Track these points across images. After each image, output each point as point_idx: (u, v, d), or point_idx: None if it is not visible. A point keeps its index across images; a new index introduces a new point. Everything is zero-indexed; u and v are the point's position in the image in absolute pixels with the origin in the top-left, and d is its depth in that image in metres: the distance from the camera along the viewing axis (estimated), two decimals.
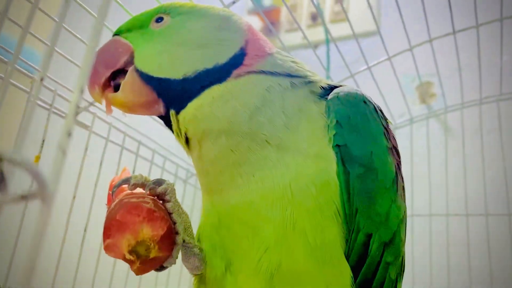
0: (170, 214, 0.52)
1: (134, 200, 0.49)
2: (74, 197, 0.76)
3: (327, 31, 1.66)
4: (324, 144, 0.51)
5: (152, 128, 0.87)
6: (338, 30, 1.63)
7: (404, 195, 0.58)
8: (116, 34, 0.58)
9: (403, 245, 0.56)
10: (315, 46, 1.71)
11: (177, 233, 0.52)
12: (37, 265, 0.25)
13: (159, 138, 0.98)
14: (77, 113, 0.81)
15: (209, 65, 0.53)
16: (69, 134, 0.28)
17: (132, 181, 0.52)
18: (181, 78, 0.53)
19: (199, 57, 0.54)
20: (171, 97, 0.54)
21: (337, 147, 0.50)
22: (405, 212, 0.57)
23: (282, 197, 0.49)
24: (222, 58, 0.54)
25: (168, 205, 0.52)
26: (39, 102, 0.75)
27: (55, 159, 0.27)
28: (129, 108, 0.55)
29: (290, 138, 0.51)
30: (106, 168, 0.84)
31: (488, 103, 1.12)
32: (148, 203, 0.49)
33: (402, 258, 0.56)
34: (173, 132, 0.56)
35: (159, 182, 0.53)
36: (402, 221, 0.55)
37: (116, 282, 0.85)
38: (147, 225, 0.48)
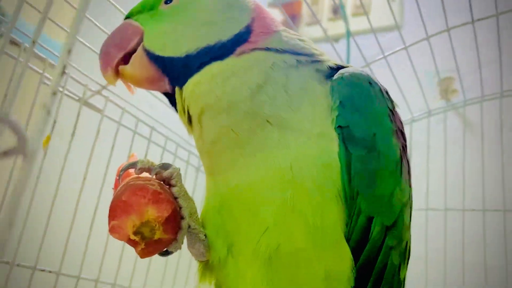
0: (176, 198, 0.52)
1: (140, 182, 0.50)
2: (84, 179, 0.77)
3: (347, 25, 1.65)
4: (327, 125, 0.50)
5: (165, 115, 0.87)
6: (360, 24, 1.61)
7: (409, 179, 0.56)
8: (128, 17, 0.59)
9: (408, 229, 0.55)
10: (335, 40, 1.70)
11: (182, 217, 0.52)
12: (15, 221, 0.26)
13: (172, 124, 0.98)
14: (89, 96, 0.82)
15: (212, 42, 0.54)
16: (54, 93, 0.28)
17: (139, 165, 0.52)
18: (183, 55, 0.53)
19: (203, 34, 0.54)
20: (175, 74, 0.55)
21: (339, 128, 0.49)
22: (410, 196, 0.56)
23: (282, 178, 0.49)
24: (226, 35, 0.54)
25: (174, 189, 0.53)
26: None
27: (39, 117, 0.27)
28: (137, 81, 0.56)
29: (293, 118, 0.50)
30: (118, 153, 0.85)
31: (509, 96, 1.08)
32: (154, 185, 0.50)
33: (407, 243, 0.54)
34: (177, 111, 0.57)
35: (165, 166, 0.54)
36: (406, 204, 0.53)
37: (122, 268, 0.86)
38: (152, 206, 0.48)
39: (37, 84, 0.73)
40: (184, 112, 0.55)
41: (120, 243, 0.84)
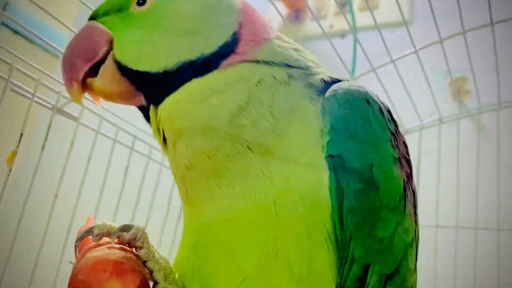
0: (144, 262, 0.45)
1: (98, 253, 0.43)
2: (56, 197, 0.70)
3: (354, 22, 1.56)
4: (317, 152, 0.42)
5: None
6: (369, 18, 1.53)
7: (415, 212, 0.48)
8: (92, 18, 0.51)
9: (412, 273, 0.46)
10: (342, 35, 1.61)
11: (156, 282, 0.45)
12: None
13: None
14: (64, 103, 0.75)
15: (193, 56, 0.46)
16: None
17: (96, 231, 0.46)
18: (161, 71, 0.46)
19: (184, 46, 0.46)
20: (150, 91, 0.47)
21: (330, 157, 0.41)
22: (415, 232, 0.48)
23: (264, 216, 0.41)
24: (209, 47, 0.46)
25: (141, 252, 0.45)
26: (20, 91, 0.69)
27: None
28: (108, 96, 0.49)
29: (277, 144, 0.43)
30: (96, 165, 0.78)
31: None
32: (115, 254, 0.43)
33: None
34: (151, 126, 0.49)
35: (127, 227, 0.47)
36: (410, 245, 0.45)
37: None
38: (116, 280, 0.41)
39: None
40: (159, 132, 0.47)
41: None
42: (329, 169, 0.41)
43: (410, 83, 1.01)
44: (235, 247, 0.42)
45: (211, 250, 0.44)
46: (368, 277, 0.41)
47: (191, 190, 0.46)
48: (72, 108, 0.76)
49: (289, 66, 0.47)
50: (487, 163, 1.04)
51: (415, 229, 0.47)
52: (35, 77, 0.70)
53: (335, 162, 0.41)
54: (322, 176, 0.41)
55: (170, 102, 0.45)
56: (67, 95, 0.71)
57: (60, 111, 0.74)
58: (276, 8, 0.82)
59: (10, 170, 0.65)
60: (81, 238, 0.47)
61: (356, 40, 1.43)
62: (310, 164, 0.42)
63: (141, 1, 0.49)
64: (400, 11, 0.83)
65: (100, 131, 0.79)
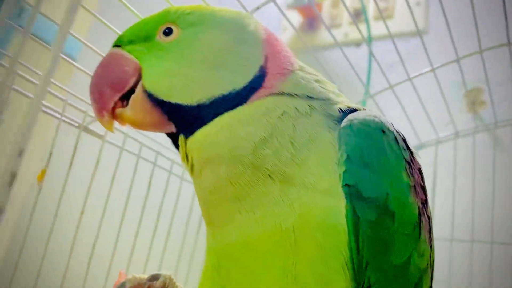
0: None
1: None
2: (82, 213, 0.72)
3: (369, 30, 1.57)
4: (334, 180, 0.43)
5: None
6: (384, 28, 1.53)
7: (430, 237, 0.49)
8: (117, 45, 0.52)
9: None
10: (357, 44, 1.62)
11: None
12: None
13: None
14: (89, 122, 0.77)
15: (225, 90, 0.47)
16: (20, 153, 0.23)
17: (128, 285, 0.50)
18: (195, 104, 0.47)
19: (215, 80, 0.48)
20: (182, 122, 0.48)
21: (346, 186, 0.43)
22: (431, 257, 0.49)
23: (283, 242, 0.42)
24: (240, 82, 0.48)
25: None
26: (49, 111, 0.71)
27: None
28: (139, 125, 0.50)
29: (297, 173, 0.44)
30: (120, 179, 0.80)
31: None
32: None
33: None
34: (179, 151, 0.51)
35: (155, 277, 0.50)
36: (425, 271, 0.47)
37: None
38: None
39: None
40: (187, 159, 0.49)
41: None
42: (346, 198, 0.43)
43: (426, 96, 1.01)
44: (255, 270, 0.44)
45: (232, 271, 0.46)
46: None
47: (213, 213, 0.48)
48: (98, 126, 0.79)
49: (311, 98, 0.49)
50: (503, 177, 1.05)
51: (430, 254, 0.49)
52: (62, 97, 0.72)
53: (352, 192, 0.43)
54: (339, 204, 0.43)
55: (202, 134, 0.47)
56: (93, 114, 0.74)
57: (86, 129, 0.76)
58: (288, 20, 0.83)
59: (40, 188, 0.68)
60: None
61: (371, 53, 1.44)
62: (328, 192, 0.43)
63: (167, 31, 0.50)
64: (415, 22, 0.84)
65: (125, 148, 0.82)
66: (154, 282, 0.50)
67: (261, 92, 0.48)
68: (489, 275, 0.95)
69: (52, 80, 0.70)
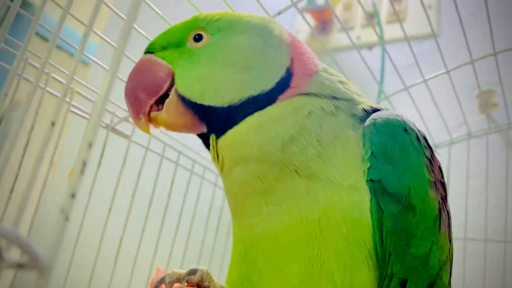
0: None
1: None
2: (110, 210, 0.76)
3: (382, 32, 1.59)
4: (359, 176, 0.47)
5: (193, 139, 0.85)
6: (396, 31, 1.55)
7: (449, 231, 0.52)
8: (149, 51, 0.55)
9: None
10: (369, 47, 1.64)
11: None
12: None
13: (199, 148, 0.96)
14: (117, 123, 0.80)
15: (255, 92, 0.50)
16: (72, 195, 0.26)
17: (167, 280, 0.51)
18: (226, 106, 0.50)
19: (244, 82, 0.50)
20: (214, 123, 0.51)
21: (371, 181, 0.46)
22: (450, 251, 0.52)
23: (309, 233, 0.46)
24: (268, 83, 0.51)
25: None
26: (79, 112, 0.75)
27: (56, 225, 0.25)
28: (173, 127, 0.53)
29: (322, 169, 0.47)
30: (145, 178, 0.83)
31: None
32: None
33: None
34: (209, 150, 0.54)
35: (193, 271, 0.52)
36: (445, 262, 0.49)
37: None
38: None
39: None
40: (218, 158, 0.52)
41: (146, 272, 0.83)
42: (370, 192, 0.46)
43: (439, 98, 1.03)
44: (281, 260, 0.47)
45: (259, 261, 0.49)
46: None
47: (241, 206, 0.51)
48: (124, 127, 0.82)
49: (336, 98, 0.51)
50: None
51: (449, 248, 0.51)
52: (92, 99, 0.76)
53: (376, 187, 0.46)
54: (363, 199, 0.46)
55: (233, 134, 0.50)
56: (120, 115, 0.78)
57: (114, 130, 0.80)
58: (305, 20, 0.85)
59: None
60: (156, 287, 0.53)
61: (384, 50, 1.46)
62: (352, 187, 0.46)
63: (197, 37, 0.53)
64: (430, 24, 0.86)
65: (150, 148, 0.85)
66: (192, 276, 0.51)
67: (288, 92, 0.51)
68: (503, 273, 0.96)
69: (83, 82, 0.74)
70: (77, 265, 0.73)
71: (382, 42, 1.30)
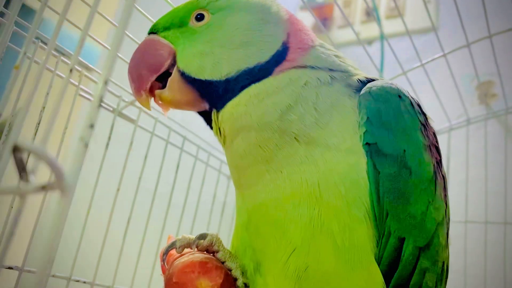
0: (223, 262, 0.53)
1: (184, 259, 0.51)
2: (118, 189, 0.78)
3: (381, 30, 1.61)
4: (355, 141, 0.49)
5: (197, 124, 0.88)
6: (395, 26, 1.58)
7: (445, 194, 0.54)
8: (152, 32, 0.57)
9: (444, 249, 0.52)
10: (369, 42, 1.67)
11: (235, 278, 0.52)
12: (55, 254, 0.26)
13: (204, 133, 0.98)
14: (123, 107, 0.83)
15: (251, 64, 0.53)
16: (91, 126, 0.28)
17: (178, 244, 0.53)
18: (223, 79, 0.52)
19: (241, 56, 0.53)
20: (214, 97, 0.54)
21: (367, 145, 0.48)
22: (446, 212, 0.54)
23: (309, 195, 0.47)
24: (264, 56, 0.53)
25: (219, 254, 0.53)
26: (87, 95, 0.77)
27: (76, 151, 0.27)
28: (176, 105, 0.56)
29: (320, 134, 0.49)
30: (151, 162, 0.85)
31: None
32: (199, 257, 0.51)
33: (443, 263, 0.52)
34: (211, 128, 0.56)
35: (202, 236, 0.54)
36: (441, 223, 0.51)
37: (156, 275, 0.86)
38: (203, 277, 0.49)
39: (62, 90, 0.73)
40: (220, 132, 0.54)
41: (153, 254, 0.85)
42: (366, 155, 0.48)
43: (439, 86, 1.06)
44: (284, 223, 0.48)
45: (261, 227, 0.51)
46: (404, 248, 0.47)
47: (244, 175, 0.53)
48: (131, 111, 0.84)
49: (331, 70, 0.54)
50: None
51: (445, 210, 0.53)
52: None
53: (372, 150, 0.48)
54: (360, 161, 0.48)
55: (232, 105, 0.52)
56: (127, 99, 0.80)
57: (121, 114, 0.82)
58: (312, 13, 0.87)
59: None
60: (167, 252, 0.55)
61: (383, 38, 1.48)
62: (349, 150, 0.48)
63: (199, 17, 0.55)
64: (429, 17, 0.89)
65: (155, 133, 0.87)
66: (202, 240, 0.54)
67: (284, 65, 0.53)
68: (503, 253, 0.98)
69: (92, 66, 0.76)
70: (87, 241, 0.75)
71: (380, 29, 1.32)
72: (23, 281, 0.62)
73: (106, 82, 0.29)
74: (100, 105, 0.29)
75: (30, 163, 0.26)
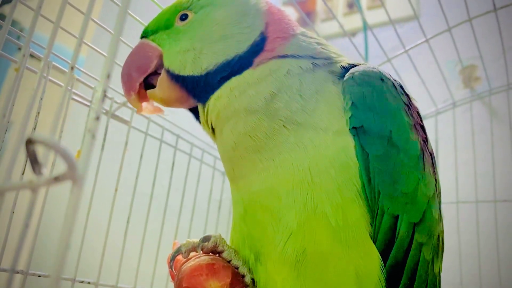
0: (229, 261, 0.54)
1: (191, 263, 0.52)
2: (116, 190, 0.78)
3: (364, 18, 1.63)
4: (342, 125, 0.50)
5: (190, 122, 0.89)
6: (377, 16, 1.60)
7: (434, 171, 0.56)
8: (143, 36, 0.60)
9: (438, 222, 0.54)
10: (352, 34, 1.69)
11: (243, 276, 0.54)
12: (69, 246, 0.27)
13: (197, 131, 0.99)
14: (116, 108, 0.83)
15: (229, 56, 0.54)
16: (97, 118, 0.29)
17: (183, 249, 0.55)
18: (204, 73, 0.54)
19: (220, 49, 0.55)
20: (197, 92, 0.56)
21: (354, 129, 0.49)
22: (436, 187, 0.55)
23: (302, 181, 0.49)
24: (242, 47, 0.55)
25: (224, 254, 0.54)
26: (79, 99, 0.78)
27: (85, 142, 0.28)
28: (167, 102, 0.58)
29: (308, 120, 0.51)
30: (146, 162, 0.86)
31: None
32: (205, 260, 0.53)
33: (439, 237, 0.54)
34: (200, 123, 0.58)
35: (206, 238, 0.55)
36: (433, 198, 0.53)
37: (158, 272, 0.87)
38: (212, 278, 0.51)
39: (50, 93, 0.74)
40: (208, 124, 0.56)
41: (153, 253, 0.86)
42: (354, 139, 0.49)
43: (424, 72, 1.08)
44: (279, 209, 0.50)
45: (258, 216, 0.52)
46: (398, 225, 0.49)
47: (237, 167, 0.54)
48: (124, 113, 0.85)
49: (313, 57, 0.55)
50: (501, 141, 1.11)
51: (435, 185, 0.55)
52: (92, 85, 0.79)
53: (359, 133, 0.49)
54: (348, 143, 0.49)
55: (214, 97, 0.54)
56: (119, 100, 0.81)
57: (114, 116, 0.83)
58: (297, 7, 0.89)
59: None
60: (173, 258, 0.56)
61: (366, 28, 1.50)
62: (337, 134, 0.50)
63: (183, 17, 0.57)
64: (411, 4, 0.91)
65: (148, 133, 0.88)
66: (206, 243, 0.55)
67: (263, 55, 0.54)
68: (495, 230, 1.01)
69: (82, 69, 0.77)
70: (88, 243, 0.75)
71: (363, 19, 1.34)
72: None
73: (105, 90, 0.30)
74: (101, 105, 0.30)
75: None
